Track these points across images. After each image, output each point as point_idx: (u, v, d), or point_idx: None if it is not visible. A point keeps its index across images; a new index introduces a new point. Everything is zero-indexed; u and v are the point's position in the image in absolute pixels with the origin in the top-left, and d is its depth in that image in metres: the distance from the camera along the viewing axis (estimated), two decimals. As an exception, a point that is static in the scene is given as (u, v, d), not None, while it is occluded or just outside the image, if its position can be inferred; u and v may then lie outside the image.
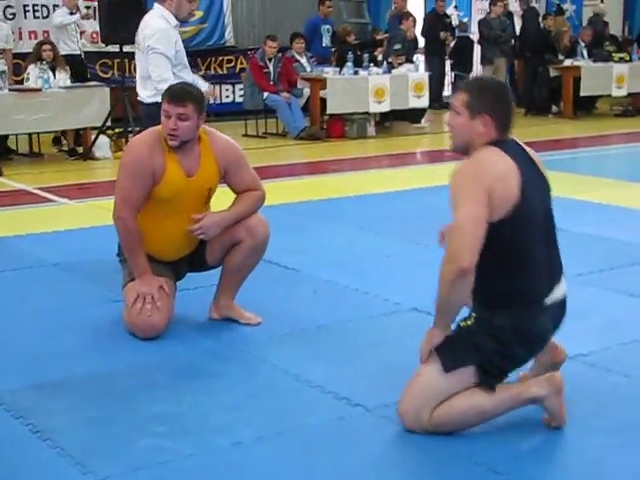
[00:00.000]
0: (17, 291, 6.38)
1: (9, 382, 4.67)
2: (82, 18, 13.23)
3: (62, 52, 12.98)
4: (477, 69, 17.28)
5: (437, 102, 17.27)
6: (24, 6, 14.31)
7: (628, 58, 17.48)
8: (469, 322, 4.18)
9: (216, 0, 15.98)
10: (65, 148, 12.76)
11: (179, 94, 5.15)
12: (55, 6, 14.34)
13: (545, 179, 4.23)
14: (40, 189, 10.22)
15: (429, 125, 15.89)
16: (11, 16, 13.94)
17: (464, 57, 17.54)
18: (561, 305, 4.31)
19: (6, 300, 6.16)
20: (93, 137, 12.29)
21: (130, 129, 12.14)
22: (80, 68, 13.13)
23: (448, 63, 18.17)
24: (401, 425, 4.05)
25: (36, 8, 14.49)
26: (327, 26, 15.89)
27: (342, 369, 4.85)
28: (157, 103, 5.81)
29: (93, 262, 7.02)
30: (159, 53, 6.60)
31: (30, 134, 12.55)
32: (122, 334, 5.32)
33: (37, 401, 4.44)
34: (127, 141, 12.13)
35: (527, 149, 4.27)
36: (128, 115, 12.00)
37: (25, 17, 14.35)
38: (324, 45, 15.68)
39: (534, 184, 4.11)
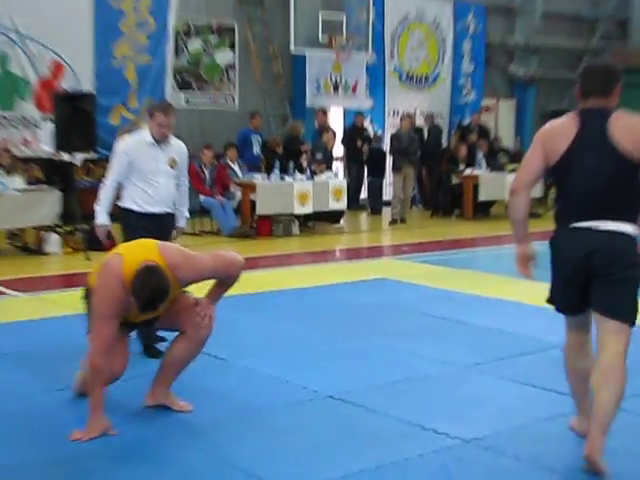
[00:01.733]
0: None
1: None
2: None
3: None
4: (389, 176, 17.41)
5: (355, 204, 17.42)
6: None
7: (520, 168, 17.82)
8: None
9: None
10: (19, 243, 12.59)
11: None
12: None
13: (615, 144, 4.63)
14: (-6, 282, 10.06)
15: (347, 225, 15.90)
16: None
17: (378, 165, 17.72)
18: (604, 233, 4.68)
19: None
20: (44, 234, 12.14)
21: (79, 227, 12.08)
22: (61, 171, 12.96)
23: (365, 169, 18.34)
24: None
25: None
26: (257, 136, 16.02)
27: (265, 452, 4.79)
28: None
29: (41, 352, 6.90)
30: None
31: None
32: (61, 421, 5.21)
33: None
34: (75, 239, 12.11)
35: (611, 118, 4.71)
36: (77, 214, 11.97)
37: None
38: (254, 153, 15.76)
39: (588, 145, 4.73)
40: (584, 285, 4.77)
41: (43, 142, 13.39)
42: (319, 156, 16.24)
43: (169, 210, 6.88)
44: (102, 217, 6.79)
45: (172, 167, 6.78)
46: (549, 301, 5.12)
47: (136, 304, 4.79)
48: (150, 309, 4.89)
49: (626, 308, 4.71)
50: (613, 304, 4.69)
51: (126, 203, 6.77)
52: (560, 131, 4.85)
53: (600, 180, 4.68)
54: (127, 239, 6.23)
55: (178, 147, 6.93)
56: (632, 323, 4.68)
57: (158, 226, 6.64)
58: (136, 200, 6.70)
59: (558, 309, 5.07)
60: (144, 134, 6.77)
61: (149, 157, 6.68)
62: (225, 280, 5.31)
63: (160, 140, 6.68)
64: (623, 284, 4.69)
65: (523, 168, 5.07)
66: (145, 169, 6.67)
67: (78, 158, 12.82)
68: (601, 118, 4.70)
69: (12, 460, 4.66)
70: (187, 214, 7.33)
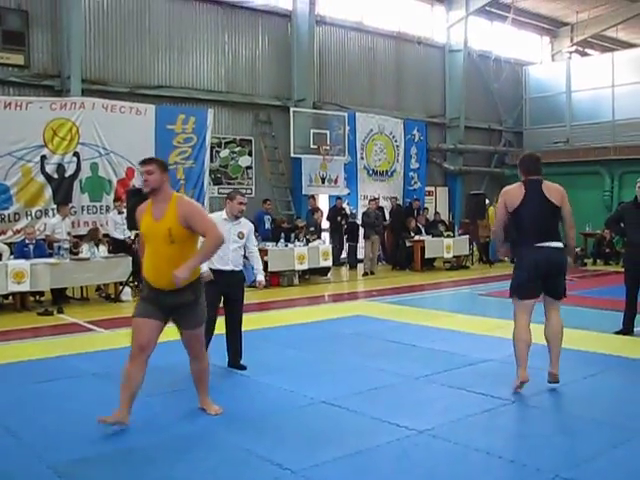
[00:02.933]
0: (69, 391, 6.20)
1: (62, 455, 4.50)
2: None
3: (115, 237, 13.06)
4: (361, 242, 17.41)
5: (338, 261, 17.41)
6: (81, 207, 14.30)
7: (452, 235, 17.90)
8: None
9: (199, 193, 16.08)
10: (103, 294, 12.55)
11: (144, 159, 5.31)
12: (107, 207, 14.46)
13: (548, 199, 5.96)
14: (86, 322, 9.99)
15: (332, 277, 15.83)
16: (74, 212, 13.90)
17: (353, 234, 17.73)
18: (550, 249, 5.90)
19: (61, 397, 5.99)
20: (120, 288, 12.12)
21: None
22: (123, 246, 12.91)
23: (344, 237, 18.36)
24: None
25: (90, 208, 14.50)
26: (268, 216, 16.01)
27: (277, 442, 4.76)
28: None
29: (119, 372, 6.82)
30: None
31: (81, 286, 12.37)
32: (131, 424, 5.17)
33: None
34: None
35: (543, 185, 6.03)
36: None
37: (82, 213, 14.29)
38: (266, 228, 15.75)
39: (533, 200, 5.92)
40: (541, 279, 5.92)
41: (110, 226, 13.39)
42: (312, 229, 16.28)
43: (236, 269, 6.68)
44: (205, 268, 6.41)
45: (240, 238, 6.70)
46: (512, 294, 6.13)
47: None
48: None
49: (562, 292, 6.13)
50: (558, 291, 6.08)
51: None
52: (515, 193, 6.02)
53: (543, 218, 5.90)
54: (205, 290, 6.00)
55: (247, 225, 6.85)
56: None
57: (227, 280, 6.58)
58: (212, 260, 6.44)
59: (521, 297, 6.05)
60: (221, 213, 6.74)
61: (224, 230, 6.51)
62: (203, 245, 5.05)
63: (237, 215, 6.67)
64: (561, 278, 6.06)
65: (497, 216, 6.26)
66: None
67: (133, 234, 12.65)
68: (538, 185, 6.00)
69: (91, 453, 4.63)
70: (262, 272, 7.18)
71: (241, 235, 6.70)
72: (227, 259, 6.58)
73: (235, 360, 6.85)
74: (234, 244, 6.62)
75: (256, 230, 14.96)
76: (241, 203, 6.65)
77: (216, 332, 6.74)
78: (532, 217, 5.91)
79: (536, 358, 7.18)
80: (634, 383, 6.38)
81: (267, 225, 15.91)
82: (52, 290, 11.70)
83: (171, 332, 5.39)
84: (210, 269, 6.53)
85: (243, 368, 6.76)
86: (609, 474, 4.20)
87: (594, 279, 15.65)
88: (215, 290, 6.42)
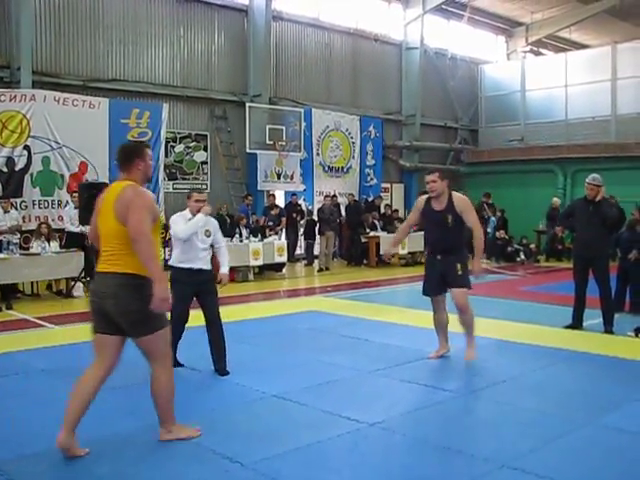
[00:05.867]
0: (16, 387, 6.11)
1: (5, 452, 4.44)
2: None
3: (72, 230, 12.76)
4: (317, 238, 17.44)
5: (292, 257, 17.42)
6: (32, 201, 14.07)
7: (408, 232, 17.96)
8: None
9: (153, 188, 15.91)
10: (54, 290, 12.36)
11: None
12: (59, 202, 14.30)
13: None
14: (36, 318, 9.83)
15: (287, 273, 15.82)
16: (24, 207, 13.66)
17: (310, 230, 17.75)
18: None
19: (8, 393, 5.90)
20: (72, 283, 11.95)
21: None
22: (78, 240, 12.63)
23: (300, 234, 18.37)
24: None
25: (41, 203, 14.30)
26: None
27: (229, 436, 4.75)
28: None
29: (68, 368, 6.73)
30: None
31: (32, 282, 12.20)
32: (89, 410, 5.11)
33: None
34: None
35: (453, 197, 6.73)
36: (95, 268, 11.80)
37: (33, 207, 14.07)
38: (250, 223, 15.76)
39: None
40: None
41: (66, 220, 13.17)
42: (270, 223, 16.23)
43: (205, 267, 6.60)
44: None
45: (207, 236, 6.64)
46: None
47: None
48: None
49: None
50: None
51: (173, 262, 6.61)
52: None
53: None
54: (174, 289, 6.21)
55: (212, 222, 6.79)
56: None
57: (198, 279, 6.52)
58: (181, 260, 6.54)
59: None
60: (185, 212, 6.67)
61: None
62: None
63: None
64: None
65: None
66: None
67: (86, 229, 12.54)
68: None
69: (38, 449, 4.54)
70: (227, 265, 7.03)
71: (208, 233, 6.66)
72: (195, 257, 6.53)
73: (221, 365, 6.55)
74: (202, 243, 6.59)
75: (246, 225, 15.16)
76: (197, 200, 6.63)
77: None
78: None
79: (486, 351, 7.30)
80: (581, 375, 6.51)
81: (250, 220, 15.92)
82: (1, 286, 11.47)
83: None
84: (180, 268, 6.52)
85: (226, 373, 6.47)
86: (555, 464, 4.27)
87: (546, 275, 15.91)
88: (183, 290, 6.41)
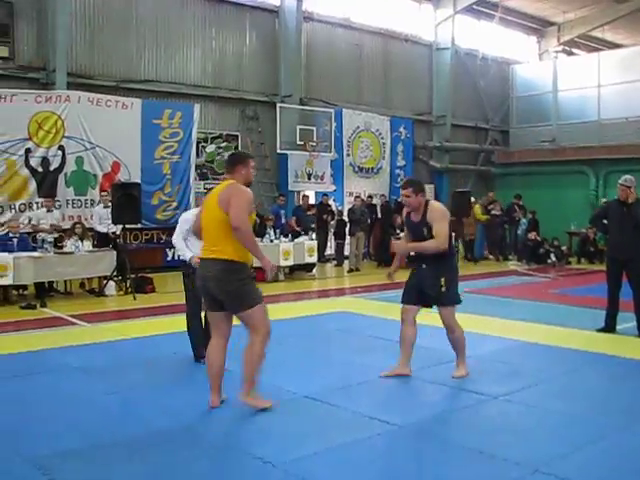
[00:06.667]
0: (51, 385, 6.18)
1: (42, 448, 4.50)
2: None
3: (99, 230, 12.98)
4: (347, 239, 17.41)
5: (322, 258, 17.43)
6: (66, 200, 14.26)
7: (438, 232, 17.85)
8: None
9: (185, 188, 16.03)
10: (87, 288, 12.51)
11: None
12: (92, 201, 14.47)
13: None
14: (70, 316, 9.95)
15: (317, 273, 15.83)
16: (58, 206, 13.80)
17: (340, 231, 17.74)
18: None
19: (42, 391, 5.97)
20: (104, 282, 12.08)
21: (128, 276, 12.04)
22: (107, 241, 12.92)
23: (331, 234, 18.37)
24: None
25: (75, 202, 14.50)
26: (283, 211, 16.44)
27: (262, 435, 4.77)
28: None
29: (101, 366, 6.84)
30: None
31: (65, 280, 12.31)
32: (115, 412, 5.17)
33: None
34: (126, 285, 12.05)
35: (428, 207, 6.13)
36: (127, 267, 11.97)
37: (67, 206, 14.25)
38: (282, 222, 15.90)
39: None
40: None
41: (95, 219, 13.29)
42: (307, 225, 16.38)
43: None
44: (188, 254, 6.78)
45: None
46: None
47: None
48: None
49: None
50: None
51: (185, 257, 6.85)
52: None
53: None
54: (186, 283, 6.87)
55: None
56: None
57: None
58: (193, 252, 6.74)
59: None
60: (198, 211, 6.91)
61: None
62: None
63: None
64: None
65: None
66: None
67: (119, 228, 12.77)
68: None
69: (72, 446, 4.61)
70: None
71: None
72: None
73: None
74: None
75: (274, 225, 15.24)
76: None
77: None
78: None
79: (516, 354, 7.25)
80: (612, 380, 6.43)
81: (283, 219, 15.98)
82: (35, 284, 11.64)
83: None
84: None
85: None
86: (586, 469, 4.23)
87: (578, 277, 15.75)
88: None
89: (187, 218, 6.96)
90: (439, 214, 6.12)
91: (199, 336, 6.83)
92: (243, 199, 5.12)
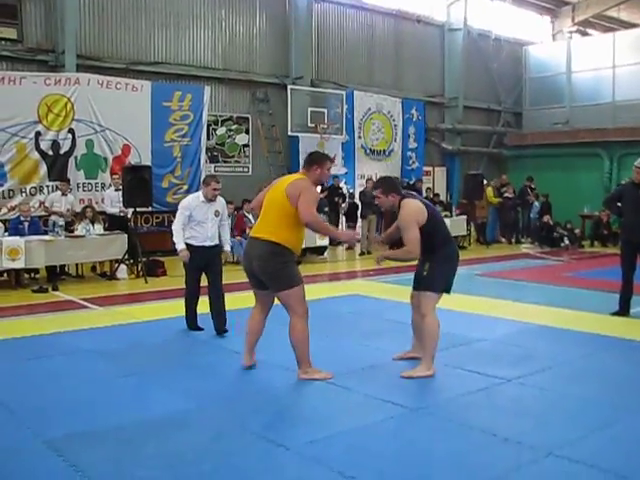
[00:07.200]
0: (65, 367, 6.23)
1: (57, 430, 4.54)
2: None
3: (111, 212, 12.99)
4: (359, 222, 17.39)
5: (334, 241, 17.35)
6: (77, 184, 14.30)
7: (450, 215, 17.83)
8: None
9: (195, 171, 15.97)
10: (98, 272, 12.56)
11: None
12: (102, 184, 14.50)
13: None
14: (81, 299, 10.00)
15: (329, 256, 15.82)
16: (70, 190, 13.77)
17: (351, 214, 17.72)
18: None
19: (57, 373, 6.03)
20: (116, 265, 12.12)
21: (139, 260, 12.07)
22: (119, 223, 12.85)
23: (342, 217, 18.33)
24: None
25: (85, 185, 14.54)
26: None
27: (275, 419, 4.79)
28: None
29: (114, 349, 6.89)
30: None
31: (76, 263, 12.35)
32: (127, 397, 5.20)
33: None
34: (138, 268, 12.10)
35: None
36: (138, 251, 12.00)
37: (77, 190, 14.29)
38: None
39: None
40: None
41: (106, 202, 13.26)
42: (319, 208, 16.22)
43: (213, 243, 7.56)
44: (181, 246, 7.45)
45: (217, 216, 7.53)
46: (445, 290, 6.05)
47: None
48: None
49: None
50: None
51: (187, 240, 7.46)
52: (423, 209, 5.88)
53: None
54: (187, 265, 7.52)
55: (220, 202, 7.62)
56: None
57: (208, 253, 7.48)
58: (193, 238, 7.46)
59: (447, 291, 6.09)
60: (199, 195, 7.56)
61: (202, 211, 7.45)
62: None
63: (211, 199, 7.46)
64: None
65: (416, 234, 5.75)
66: (199, 218, 7.43)
67: (129, 212, 12.82)
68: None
69: (86, 428, 4.65)
70: (230, 241, 8.20)
71: (217, 213, 7.53)
72: (205, 236, 7.46)
73: (221, 326, 7.52)
74: (211, 222, 7.49)
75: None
76: (215, 189, 7.44)
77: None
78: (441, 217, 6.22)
79: (530, 337, 7.26)
80: (627, 362, 6.43)
81: None
82: (47, 267, 11.70)
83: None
84: (191, 245, 7.40)
85: (225, 331, 7.48)
86: (601, 452, 4.24)
87: (591, 260, 15.70)
88: (195, 264, 7.45)
89: (187, 204, 7.45)
90: (404, 222, 5.74)
91: (190, 312, 7.66)
92: (312, 197, 5.48)
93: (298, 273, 5.66)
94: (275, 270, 5.50)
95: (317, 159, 5.73)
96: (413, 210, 5.78)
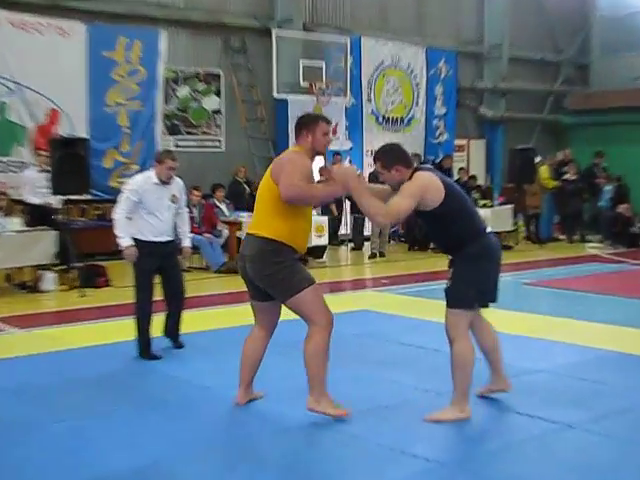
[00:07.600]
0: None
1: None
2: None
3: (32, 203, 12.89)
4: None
5: (334, 239, 17.44)
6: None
7: (491, 204, 17.89)
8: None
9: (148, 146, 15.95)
10: (16, 282, 12.54)
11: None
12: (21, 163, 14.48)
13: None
14: (-8, 319, 9.99)
15: (329, 260, 15.84)
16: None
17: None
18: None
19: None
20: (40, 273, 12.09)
21: (73, 265, 12.05)
22: (44, 215, 12.76)
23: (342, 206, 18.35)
24: None
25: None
26: None
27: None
28: None
29: (37, 386, 6.86)
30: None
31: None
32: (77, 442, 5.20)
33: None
34: (70, 277, 12.06)
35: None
36: (71, 253, 11.99)
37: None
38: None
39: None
40: None
41: (28, 187, 13.02)
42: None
43: (170, 238, 7.74)
44: (126, 241, 7.50)
45: (173, 202, 7.67)
46: (481, 302, 6.00)
47: None
48: None
49: None
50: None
51: (135, 234, 7.53)
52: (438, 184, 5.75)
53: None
54: (136, 267, 7.58)
55: (178, 184, 7.78)
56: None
57: (162, 251, 7.62)
58: (143, 231, 7.53)
59: (482, 304, 6.06)
60: (150, 175, 7.66)
61: (155, 196, 7.54)
62: None
63: (165, 181, 7.57)
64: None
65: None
66: (151, 205, 7.50)
67: (59, 201, 12.70)
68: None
69: None
70: (190, 235, 8.39)
71: (174, 199, 7.73)
72: (161, 229, 7.61)
73: (174, 332, 7.93)
74: (167, 210, 7.67)
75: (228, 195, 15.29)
76: (171, 168, 7.61)
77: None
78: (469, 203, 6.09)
79: (599, 368, 7.27)
80: None
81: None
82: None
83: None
84: (140, 240, 7.46)
85: (180, 346, 7.85)
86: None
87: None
88: (147, 266, 7.58)
89: (136, 187, 7.56)
90: (403, 189, 5.64)
91: (143, 335, 7.70)
92: (294, 167, 5.46)
93: (305, 273, 5.70)
94: (271, 274, 5.58)
95: (305, 122, 5.76)
96: (423, 183, 5.67)
